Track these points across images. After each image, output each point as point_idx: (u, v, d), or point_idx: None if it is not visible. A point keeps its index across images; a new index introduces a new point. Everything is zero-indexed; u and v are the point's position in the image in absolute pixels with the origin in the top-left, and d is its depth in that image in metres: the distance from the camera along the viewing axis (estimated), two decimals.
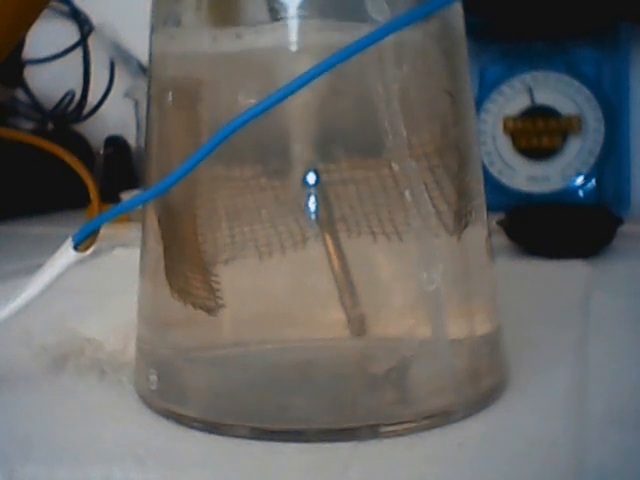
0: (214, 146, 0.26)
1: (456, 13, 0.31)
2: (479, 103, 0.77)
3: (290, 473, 0.26)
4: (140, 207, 0.30)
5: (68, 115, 0.95)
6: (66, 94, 0.94)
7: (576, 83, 0.77)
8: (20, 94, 0.95)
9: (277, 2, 0.28)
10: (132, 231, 0.40)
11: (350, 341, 0.30)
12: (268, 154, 0.29)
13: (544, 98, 0.77)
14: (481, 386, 0.31)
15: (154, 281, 0.31)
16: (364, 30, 0.27)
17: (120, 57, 0.89)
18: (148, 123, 0.32)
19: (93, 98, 0.95)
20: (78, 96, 0.95)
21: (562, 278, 0.52)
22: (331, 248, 0.29)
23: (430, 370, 0.30)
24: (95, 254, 0.31)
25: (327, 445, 0.27)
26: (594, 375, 0.34)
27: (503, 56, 0.79)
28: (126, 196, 0.74)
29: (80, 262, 0.30)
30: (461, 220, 0.30)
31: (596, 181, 0.77)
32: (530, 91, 0.78)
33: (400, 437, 0.28)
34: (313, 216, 0.28)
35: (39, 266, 0.31)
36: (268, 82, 0.28)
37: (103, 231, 0.30)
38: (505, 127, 0.78)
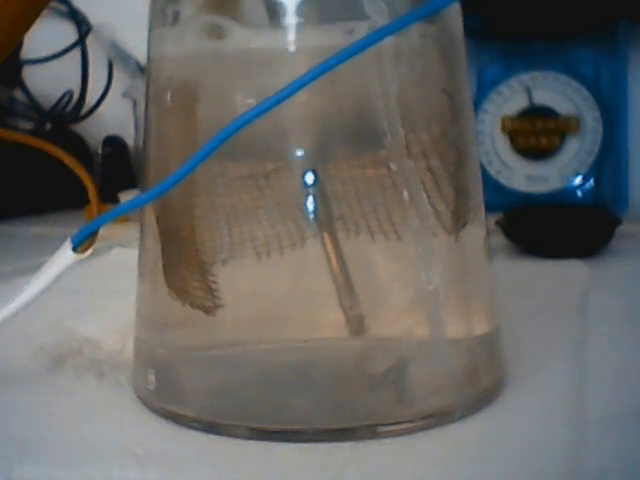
0: (213, 148, 0.26)
1: (454, 13, 0.31)
2: (477, 103, 0.77)
3: (288, 473, 0.26)
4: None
5: (66, 115, 0.95)
6: (64, 94, 0.94)
7: (574, 83, 0.77)
8: (18, 94, 0.95)
9: (276, 3, 0.28)
10: (130, 231, 0.40)
11: (348, 341, 0.30)
12: (266, 154, 0.29)
13: (542, 98, 0.78)
14: (479, 386, 0.31)
15: (152, 281, 0.31)
16: (362, 30, 0.27)
17: (118, 57, 0.89)
18: (146, 123, 0.32)
19: (91, 98, 0.95)
20: (76, 96, 0.95)
21: (560, 278, 0.52)
22: (329, 248, 0.29)
23: (428, 370, 0.30)
24: (93, 254, 0.30)
25: (325, 445, 0.27)
26: (593, 375, 0.34)
27: (501, 56, 0.79)
28: (124, 196, 0.74)
29: (79, 262, 0.30)
30: (459, 220, 0.30)
31: (594, 181, 0.77)
32: (528, 91, 0.78)
33: (398, 437, 0.28)
34: (311, 216, 0.28)
35: (38, 266, 0.31)
36: (267, 83, 0.28)
37: (101, 231, 0.30)
38: (503, 127, 0.78)
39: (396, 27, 0.27)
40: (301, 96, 0.26)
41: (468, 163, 0.31)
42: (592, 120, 0.77)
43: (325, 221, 0.28)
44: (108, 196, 0.68)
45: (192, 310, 0.29)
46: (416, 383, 0.30)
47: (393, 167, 0.28)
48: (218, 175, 0.29)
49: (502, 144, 0.78)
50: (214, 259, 0.29)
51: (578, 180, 0.77)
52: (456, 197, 0.30)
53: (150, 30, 0.31)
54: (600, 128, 0.77)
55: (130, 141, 0.89)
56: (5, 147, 0.75)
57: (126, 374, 0.33)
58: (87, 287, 0.46)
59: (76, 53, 0.96)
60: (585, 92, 0.77)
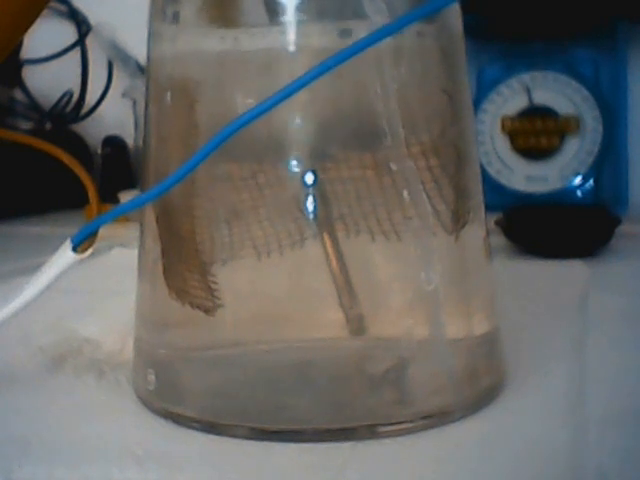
0: (213, 148, 0.26)
1: (454, 13, 0.31)
2: (477, 103, 0.77)
3: (288, 473, 0.26)
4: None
5: (66, 115, 0.95)
6: (64, 94, 0.94)
7: (574, 83, 0.77)
8: (18, 94, 0.95)
9: (275, 3, 0.28)
10: (130, 231, 0.40)
11: (348, 341, 0.30)
12: (266, 153, 0.29)
13: (542, 98, 0.78)
14: (479, 386, 0.31)
15: (152, 281, 0.31)
16: (362, 30, 0.27)
17: (118, 57, 0.88)
18: (146, 123, 0.32)
19: (91, 98, 0.95)
20: (76, 96, 0.95)
21: (560, 278, 0.52)
22: (329, 248, 0.29)
23: (428, 370, 0.30)
24: (93, 254, 0.31)
25: (325, 445, 0.27)
26: (592, 375, 0.34)
27: (501, 56, 0.79)
28: (124, 196, 0.74)
29: (79, 262, 0.30)
30: (459, 220, 0.30)
31: (594, 181, 0.77)
32: (528, 91, 0.78)
33: (398, 437, 0.28)
34: (311, 216, 0.28)
35: (38, 266, 0.31)
36: (266, 83, 0.28)
37: (101, 231, 0.30)
38: (503, 127, 0.78)
39: (396, 27, 0.27)
40: (301, 96, 0.26)
41: (468, 163, 0.31)
42: (592, 120, 0.77)
43: (325, 221, 0.28)
44: (108, 196, 0.68)
45: (192, 310, 0.29)
46: (416, 383, 0.30)
47: (393, 167, 0.28)
48: (218, 175, 0.29)
49: (502, 144, 0.78)
50: (214, 259, 0.29)
51: (578, 180, 0.77)
52: (456, 197, 0.30)
53: (150, 30, 0.31)
54: (600, 128, 0.77)
55: (130, 141, 0.89)
56: (5, 147, 0.75)
57: (126, 374, 0.33)
58: (87, 287, 0.46)
59: (76, 53, 0.96)
60: (585, 92, 0.77)
